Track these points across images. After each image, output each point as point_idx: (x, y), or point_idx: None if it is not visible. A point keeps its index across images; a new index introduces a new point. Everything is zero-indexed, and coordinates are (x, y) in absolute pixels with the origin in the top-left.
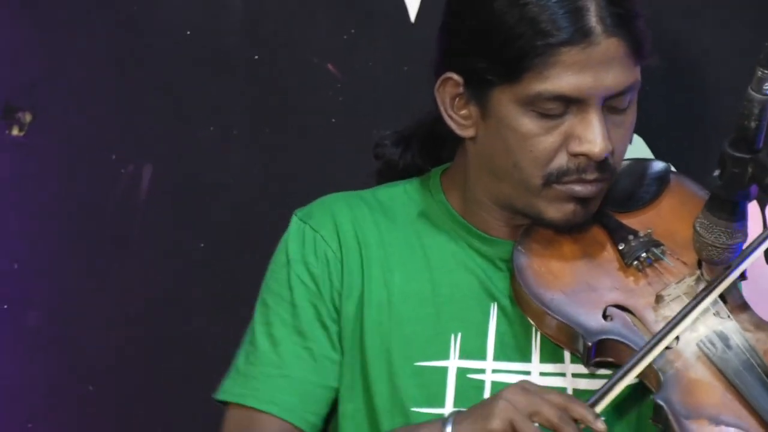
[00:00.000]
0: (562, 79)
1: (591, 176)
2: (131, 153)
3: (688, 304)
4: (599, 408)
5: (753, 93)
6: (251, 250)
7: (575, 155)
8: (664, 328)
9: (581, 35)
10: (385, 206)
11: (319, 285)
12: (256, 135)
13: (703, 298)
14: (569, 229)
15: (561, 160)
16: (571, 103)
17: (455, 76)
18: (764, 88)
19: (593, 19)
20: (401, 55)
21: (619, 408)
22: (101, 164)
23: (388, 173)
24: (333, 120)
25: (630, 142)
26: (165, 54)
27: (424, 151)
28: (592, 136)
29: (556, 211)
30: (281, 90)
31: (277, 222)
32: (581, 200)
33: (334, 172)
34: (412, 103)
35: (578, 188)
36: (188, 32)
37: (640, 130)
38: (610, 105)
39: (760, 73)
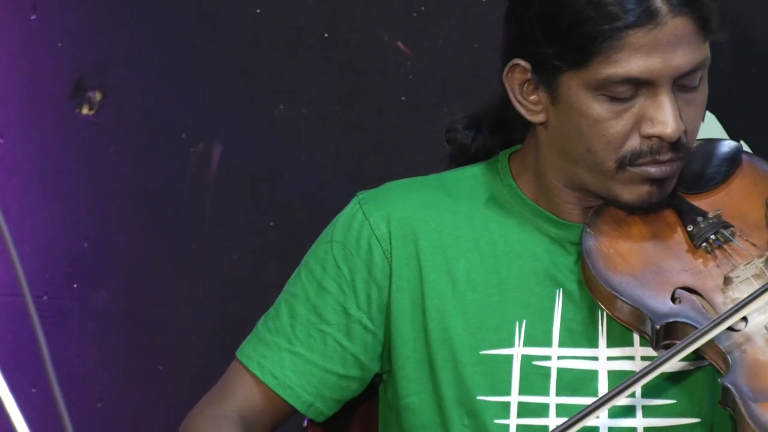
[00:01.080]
0: (631, 62)
1: (665, 157)
2: (201, 132)
3: (755, 291)
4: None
5: None
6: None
7: (648, 137)
8: (723, 313)
9: (648, 17)
10: (451, 191)
11: (353, 271)
12: (326, 113)
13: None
14: (645, 211)
15: (634, 143)
16: (641, 85)
17: (522, 63)
18: None
19: (658, 0)
20: (471, 33)
21: (691, 393)
22: (171, 143)
23: (460, 158)
24: (403, 98)
25: (702, 119)
26: (234, 32)
27: (495, 135)
28: (664, 117)
29: (631, 193)
30: (351, 68)
31: (347, 201)
32: (656, 181)
33: (404, 150)
34: (482, 81)
35: (653, 169)
36: (258, 10)
37: (713, 107)
38: (680, 84)
39: None
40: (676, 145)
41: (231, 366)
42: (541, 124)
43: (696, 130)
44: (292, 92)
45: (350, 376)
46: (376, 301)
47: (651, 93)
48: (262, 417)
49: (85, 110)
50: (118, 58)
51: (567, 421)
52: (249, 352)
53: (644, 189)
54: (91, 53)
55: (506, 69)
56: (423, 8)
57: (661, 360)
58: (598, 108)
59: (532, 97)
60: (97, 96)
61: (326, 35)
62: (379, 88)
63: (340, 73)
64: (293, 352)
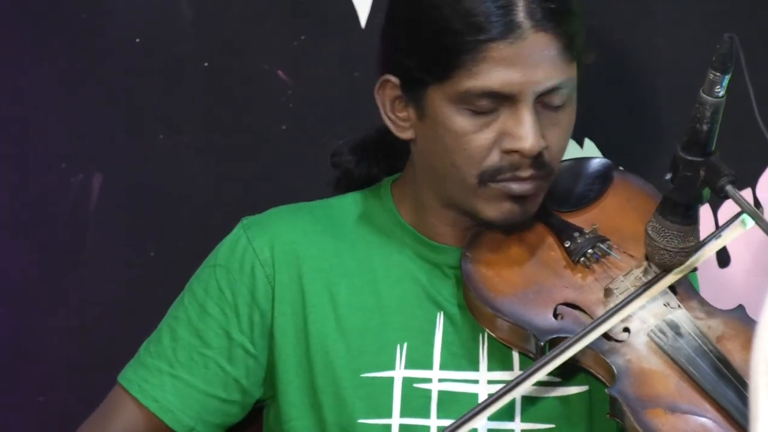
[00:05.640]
0: (491, 75)
1: (526, 173)
2: (81, 162)
3: (623, 300)
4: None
5: (705, 96)
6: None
7: (508, 152)
8: (597, 318)
9: (508, 30)
10: (334, 217)
11: (236, 295)
12: (207, 143)
13: (639, 294)
14: (509, 229)
15: (494, 158)
16: (503, 99)
17: (392, 78)
18: (716, 90)
19: (521, 14)
20: (352, 61)
21: (569, 418)
22: (50, 173)
23: (346, 183)
24: (283, 127)
25: (568, 140)
26: (114, 61)
27: (381, 161)
28: (523, 132)
29: (493, 210)
30: (231, 97)
31: (228, 230)
32: (518, 198)
33: (285, 179)
34: (363, 109)
35: (514, 186)
36: (137, 40)
37: (591, 133)
38: (543, 101)
39: (712, 75)
40: (537, 162)
41: (113, 390)
42: (411, 140)
43: (561, 150)
44: (172, 122)
45: (231, 401)
46: (259, 325)
47: (512, 108)
48: None
49: None
50: None
51: (446, 428)
52: (130, 375)
53: (506, 206)
54: None
55: (377, 85)
56: (303, 37)
57: (540, 363)
58: (461, 121)
59: (402, 114)
60: None
61: (206, 64)
62: (259, 117)
63: (220, 102)
64: (174, 376)
